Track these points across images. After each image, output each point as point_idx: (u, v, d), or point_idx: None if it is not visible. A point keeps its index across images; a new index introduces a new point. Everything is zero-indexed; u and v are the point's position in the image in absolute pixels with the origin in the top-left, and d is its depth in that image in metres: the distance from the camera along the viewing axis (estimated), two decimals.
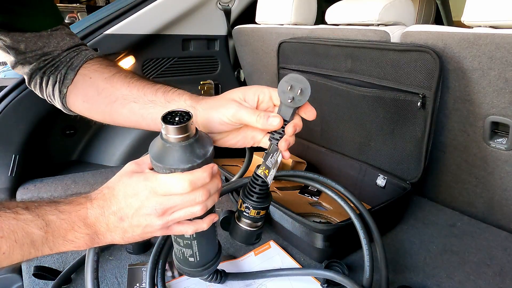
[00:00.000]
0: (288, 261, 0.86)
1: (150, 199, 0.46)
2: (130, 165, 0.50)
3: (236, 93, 0.56)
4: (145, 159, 0.50)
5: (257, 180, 0.59)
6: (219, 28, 1.63)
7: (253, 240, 0.64)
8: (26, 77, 0.72)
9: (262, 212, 0.61)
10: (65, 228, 0.45)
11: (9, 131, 1.19)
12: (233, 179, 1.00)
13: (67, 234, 0.46)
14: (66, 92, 0.70)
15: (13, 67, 0.70)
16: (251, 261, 0.86)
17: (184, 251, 0.58)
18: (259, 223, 0.63)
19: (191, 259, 0.59)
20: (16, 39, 0.66)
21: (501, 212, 0.96)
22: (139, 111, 0.63)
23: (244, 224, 0.62)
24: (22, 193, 1.15)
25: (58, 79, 0.69)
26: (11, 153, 1.19)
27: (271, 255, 0.88)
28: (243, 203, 0.61)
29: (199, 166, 0.47)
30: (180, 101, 0.60)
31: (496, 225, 0.98)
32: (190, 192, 0.46)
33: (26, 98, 1.19)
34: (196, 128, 0.48)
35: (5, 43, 0.66)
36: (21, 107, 1.19)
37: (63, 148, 1.39)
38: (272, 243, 0.92)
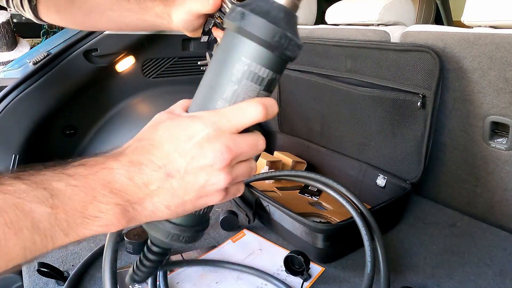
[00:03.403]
0: (267, 244, 0.88)
1: (213, 140, 0.33)
2: (162, 115, 0.36)
3: None
4: (179, 105, 0.38)
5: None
6: None
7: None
8: None
9: None
10: (82, 199, 0.30)
11: (9, 131, 1.19)
12: None
13: (86, 208, 0.30)
14: (36, 2, 0.67)
15: None
16: (229, 248, 0.88)
17: None
18: None
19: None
20: None
21: (501, 212, 0.96)
22: (118, 18, 0.62)
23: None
24: None
25: None
26: (11, 153, 1.19)
27: (248, 241, 0.91)
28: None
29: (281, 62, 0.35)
30: (153, 7, 0.60)
31: (496, 225, 0.98)
32: (262, 119, 0.34)
33: (26, 98, 1.19)
34: None
35: None
36: (21, 107, 1.19)
37: (63, 148, 1.39)
38: (245, 231, 0.95)
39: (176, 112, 0.36)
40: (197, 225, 0.41)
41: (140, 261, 0.46)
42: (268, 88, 0.36)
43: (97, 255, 0.81)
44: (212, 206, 0.42)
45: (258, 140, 0.36)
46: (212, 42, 0.61)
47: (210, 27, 0.60)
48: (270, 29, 0.32)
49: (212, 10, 0.55)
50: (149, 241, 0.44)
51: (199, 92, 0.38)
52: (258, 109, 0.34)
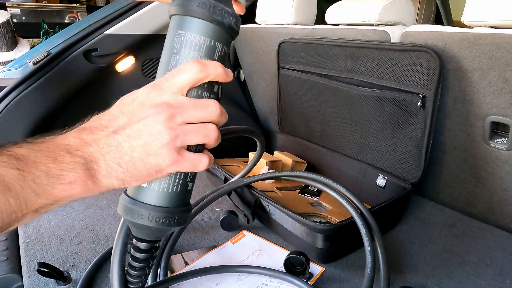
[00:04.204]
0: (266, 245, 0.88)
1: (153, 98, 0.36)
2: None
3: None
4: None
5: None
6: None
7: None
8: None
9: None
10: (45, 161, 0.33)
11: (9, 131, 1.19)
12: (234, 179, 1.00)
13: (50, 169, 0.33)
14: None
15: None
16: (229, 249, 0.88)
17: None
18: None
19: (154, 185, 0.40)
20: None
21: (501, 212, 0.96)
22: None
23: None
24: None
25: None
26: None
27: (247, 241, 0.91)
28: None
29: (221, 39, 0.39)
30: None
31: (496, 225, 0.98)
32: (202, 77, 0.37)
33: (26, 98, 1.19)
34: None
35: None
36: (21, 107, 1.19)
37: None
38: (245, 231, 0.95)
39: None
40: (176, 206, 0.41)
41: (130, 266, 0.46)
42: (210, 55, 0.39)
43: (106, 257, 0.81)
44: (188, 188, 0.43)
45: (207, 103, 0.38)
46: None
47: None
48: (192, 0, 0.37)
49: None
50: (134, 240, 0.45)
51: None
52: (193, 66, 0.36)
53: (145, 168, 0.37)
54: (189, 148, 0.39)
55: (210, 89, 0.40)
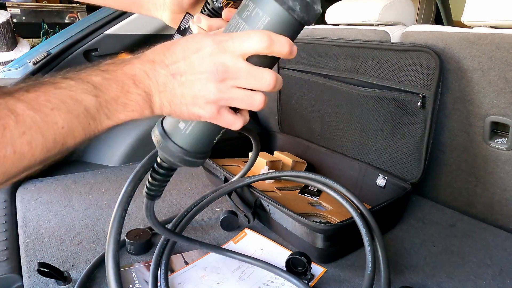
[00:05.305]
0: (268, 245, 0.88)
1: (214, 56, 0.39)
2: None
3: None
4: None
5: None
6: None
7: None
8: None
9: None
10: (115, 90, 0.38)
11: None
12: (234, 179, 1.00)
13: (118, 97, 0.39)
14: None
15: None
16: (231, 247, 0.88)
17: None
18: None
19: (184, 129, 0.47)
20: None
21: (501, 212, 0.96)
22: None
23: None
24: (22, 193, 1.15)
25: None
26: None
27: (249, 241, 0.91)
28: None
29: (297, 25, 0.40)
30: None
31: (496, 225, 0.98)
32: (267, 50, 0.39)
33: None
34: None
35: None
36: None
37: None
38: (247, 230, 0.95)
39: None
40: (197, 153, 0.47)
41: (152, 177, 0.55)
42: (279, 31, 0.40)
43: (102, 259, 0.81)
44: (214, 140, 0.49)
45: (262, 75, 0.40)
46: None
47: (187, 26, 0.56)
48: None
49: None
50: (158, 159, 0.53)
51: (231, 21, 0.43)
52: (264, 37, 0.38)
53: (188, 114, 0.42)
54: (231, 107, 0.43)
55: (270, 61, 0.42)
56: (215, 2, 0.52)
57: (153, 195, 0.58)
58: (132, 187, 0.56)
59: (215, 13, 0.53)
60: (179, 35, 0.57)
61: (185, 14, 0.56)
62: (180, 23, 0.57)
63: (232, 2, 0.51)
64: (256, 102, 0.41)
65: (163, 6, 0.57)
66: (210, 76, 0.39)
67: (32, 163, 0.34)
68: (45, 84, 0.35)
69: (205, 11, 0.53)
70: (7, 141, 0.31)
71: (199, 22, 0.52)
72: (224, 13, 0.51)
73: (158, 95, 0.40)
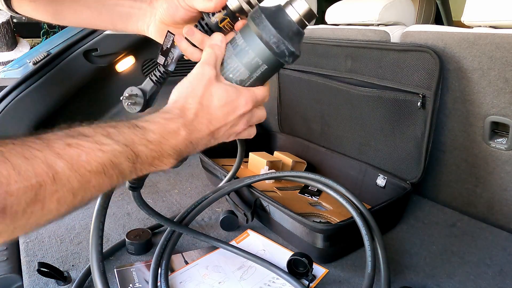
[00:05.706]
0: (270, 245, 0.88)
1: (246, 115, 0.48)
2: (209, 71, 0.47)
3: None
4: (214, 62, 0.49)
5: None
6: None
7: None
8: None
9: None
10: (154, 156, 0.42)
11: (9, 131, 1.19)
12: (225, 180, 1.00)
13: (154, 161, 0.43)
14: None
15: None
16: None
17: None
18: None
19: None
20: None
21: (501, 212, 0.96)
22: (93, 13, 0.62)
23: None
24: None
25: None
26: None
27: (251, 241, 0.91)
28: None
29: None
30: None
31: (496, 225, 0.98)
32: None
33: (26, 98, 1.19)
34: None
35: None
36: (21, 107, 1.19)
37: None
38: (249, 231, 0.95)
39: (219, 73, 0.48)
40: None
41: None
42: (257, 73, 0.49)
43: (106, 256, 0.81)
44: None
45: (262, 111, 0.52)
46: (171, 64, 0.57)
47: (168, 46, 0.55)
48: (279, 41, 0.44)
49: (213, 9, 0.50)
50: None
51: (231, 62, 0.48)
52: (268, 92, 0.50)
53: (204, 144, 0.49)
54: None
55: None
56: (210, 17, 0.51)
57: (135, 187, 0.61)
58: (105, 200, 0.60)
59: (208, 29, 0.52)
60: (162, 56, 0.56)
61: (166, 33, 0.55)
62: (163, 43, 0.56)
63: (228, 19, 0.51)
64: (252, 132, 0.52)
65: (152, 15, 0.58)
66: (240, 127, 0.49)
67: (54, 219, 0.34)
68: (89, 140, 0.37)
69: (197, 26, 0.53)
70: (40, 199, 0.31)
71: (192, 34, 0.52)
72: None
73: (193, 149, 0.47)
